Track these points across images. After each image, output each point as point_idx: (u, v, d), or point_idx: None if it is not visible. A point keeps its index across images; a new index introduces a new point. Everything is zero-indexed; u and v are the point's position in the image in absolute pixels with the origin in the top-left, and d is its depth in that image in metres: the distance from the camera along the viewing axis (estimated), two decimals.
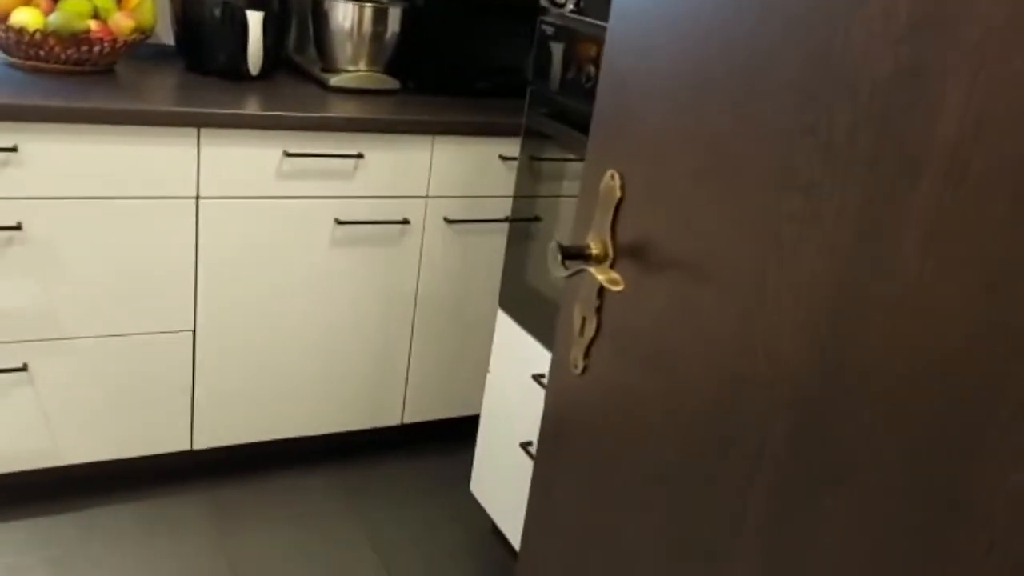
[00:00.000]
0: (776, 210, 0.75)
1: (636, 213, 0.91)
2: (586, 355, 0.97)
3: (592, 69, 1.73)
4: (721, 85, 0.82)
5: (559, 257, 0.91)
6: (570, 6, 1.88)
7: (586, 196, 0.99)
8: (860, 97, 0.67)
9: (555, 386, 1.06)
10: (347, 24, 2.21)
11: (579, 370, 0.98)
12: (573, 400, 1.01)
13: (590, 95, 1.73)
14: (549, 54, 1.88)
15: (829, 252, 0.70)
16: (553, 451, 1.08)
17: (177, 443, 2.11)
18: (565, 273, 0.93)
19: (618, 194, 0.92)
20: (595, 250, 0.93)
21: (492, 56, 2.42)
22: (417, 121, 2.09)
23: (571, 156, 1.86)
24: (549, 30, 1.86)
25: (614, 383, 0.94)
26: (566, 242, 0.94)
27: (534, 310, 1.92)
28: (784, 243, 0.74)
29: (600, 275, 0.88)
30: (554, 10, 1.90)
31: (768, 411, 0.76)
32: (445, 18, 2.33)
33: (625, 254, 0.92)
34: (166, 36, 2.23)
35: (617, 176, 0.93)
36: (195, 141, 1.89)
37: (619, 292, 0.91)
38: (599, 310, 0.96)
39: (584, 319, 0.98)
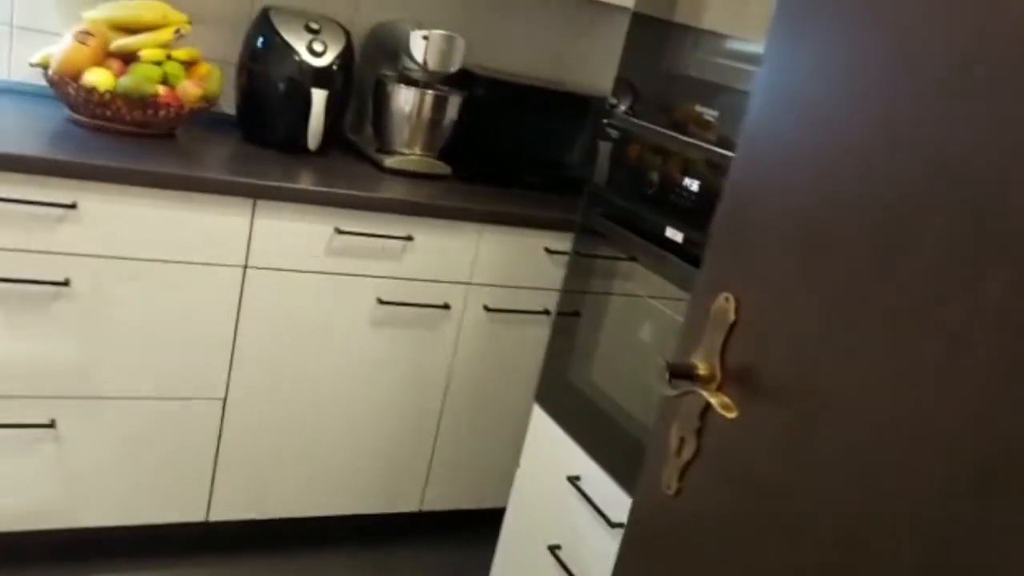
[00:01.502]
0: (914, 359, 0.73)
1: (750, 339, 0.90)
2: (681, 477, 0.95)
3: (655, 176, 1.74)
4: (858, 222, 0.81)
5: (666, 375, 0.89)
6: (623, 107, 1.91)
7: (696, 315, 0.97)
8: (1018, 258, 0.66)
9: (643, 505, 1.03)
10: (407, 108, 2.24)
11: (672, 491, 0.96)
12: (664, 522, 0.98)
13: (649, 200, 1.74)
14: (610, 156, 1.89)
15: (973, 407, 0.68)
16: (636, 572, 1.04)
17: (194, 512, 2.06)
18: (672, 392, 0.91)
19: (732, 317, 0.91)
20: (703, 371, 0.92)
21: (544, 150, 2.45)
22: (467, 208, 2.09)
23: (622, 256, 1.86)
24: (612, 132, 1.87)
25: (713, 508, 0.91)
26: (673, 360, 0.92)
27: (573, 409, 1.89)
28: (921, 393, 0.72)
29: (713, 399, 0.86)
30: (611, 110, 1.92)
31: (895, 554, 0.73)
32: (501, 110, 2.37)
33: (735, 377, 0.90)
34: (227, 105, 2.26)
35: (732, 299, 0.92)
36: (250, 211, 1.89)
37: (725, 416, 0.89)
38: (700, 432, 0.93)
39: (683, 440, 0.96)
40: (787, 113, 0.99)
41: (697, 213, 1.63)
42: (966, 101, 0.73)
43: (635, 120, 1.81)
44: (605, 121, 1.90)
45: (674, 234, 1.68)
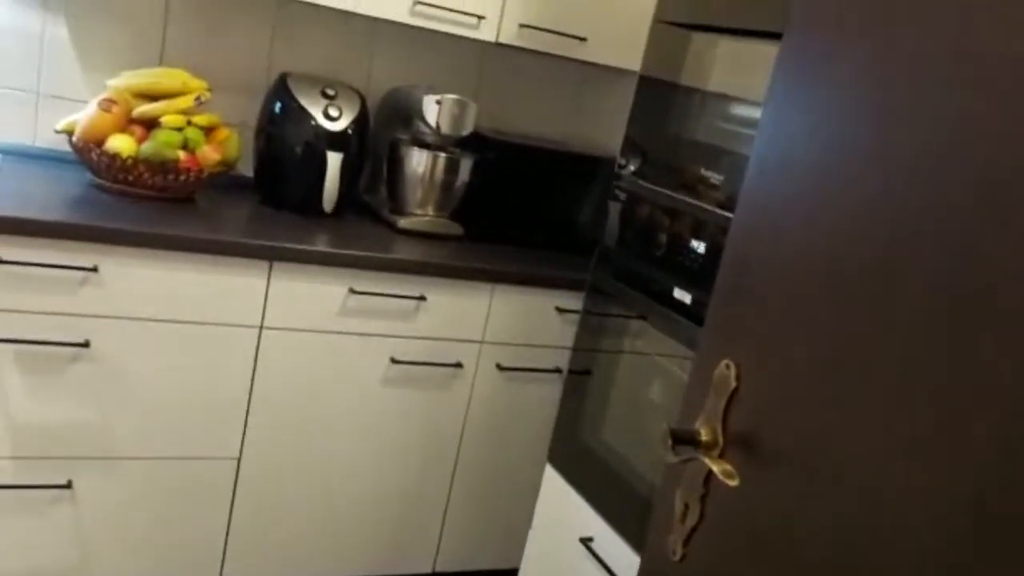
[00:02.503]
0: (910, 427, 0.75)
1: (751, 403, 0.91)
2: (686, 543, 0.95)
3: (664, 237, 1.77)
4: (856, 280, 0.83)
5: (670, 442, 0.91)
6: (632, 168, 1.94)
7: (697, 381, 0.99)
8: (1008, 315, 0.68)
9: (649, 572, 1.03)
10: (420, 170, 2.28)
11: (677, 557, 0.96)
12: None
13: (658, 261, 1.76)
14: (619, 217, 1.93)
15: (968, 477, 0.69)
16: None
17: (208, 572, 2.06)
18: (675, 459, 0.92)
19: (733, 384, 0.93)
20: (705, 437, 0.93)
21: (554, 210, 2.48)
22: (479, 268, 2.12)
23: (632, 315, 1.88)
24: (621, 195, 1.91)
25: (718, 575, 0.92)
26: (676, 426, 0.94)
27: (586, 469, 1.90)
28: (919, 462, 0.74)
29: (715, 466, 0.88)
30: (619, 171, 1.96)
31: None
32: (512, 171, 2.41)
33: (737, 443, 0.91)
34: (245, 168, 2.31)
35: (733, 366, 0.94)
36: (266, 273, 1.93)
37: (727, 483, 0.90)
38: (704, 498, 0.94)
39: (687, 506, 0.97)
40: (783, 177, 1.01)
41: (704, 275, 1.65)
42: (956, 159, 0.76)
43: (643, 183, 1.84)
44: (614, 183, 1.93)
45: (682, 295, 1.70)
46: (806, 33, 1.02)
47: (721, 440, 0.93)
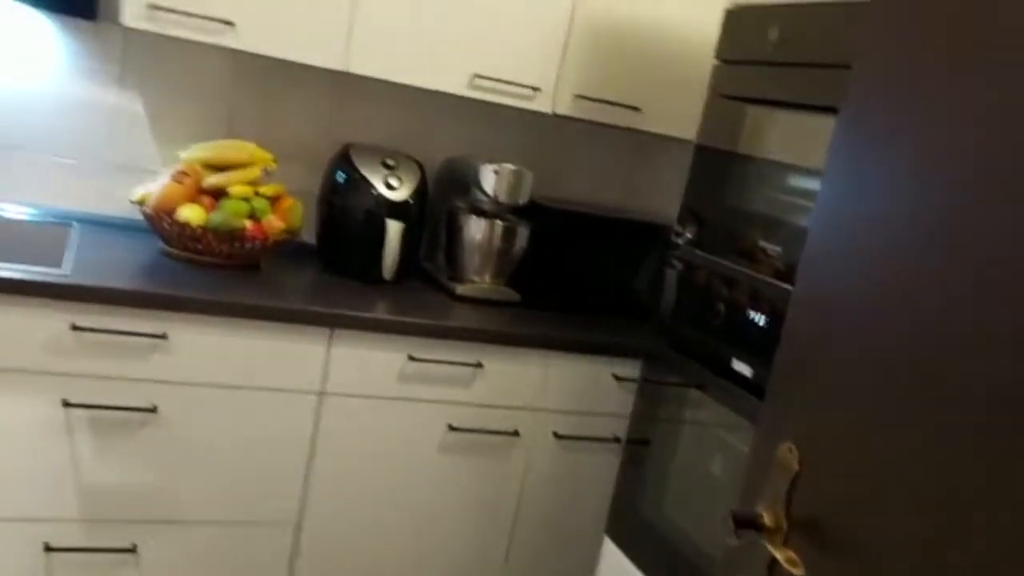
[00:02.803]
0: (987, 508, 0.73)
1: (816, 488, 0.90)
2: None
3: (722, 307, 1.76)
4: (927, 367, 0.82)
5: (731, 526, 0.90)
6: (689, 235, 1.94)
7: (758, 462, 0.98)
8: None
9: None
10: (478, 238, 2.32)
11: None
12: None
13: (716, 331, 1.75)
14: (676, 285, 1.92)
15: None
16: None
17: None
18: (737, 543, 0.91)
19: (795, 467, 0.92)
20: (768, 522, 0.92)
21: (611, 276, 2.49)
22: (536, 335, 2.13)
23: (691, 384, 1.86)
24: (678, 264, 1.91)
25: None
26: (738, 510, 0.92)
27: (645, 543, 1.87)
28: (995, 545, 0.72)
29: (778, 553, 0.86)
30: (676, 239, 1.96)
31: None
32: (569, 238, 2.43)
33: (801, 529, 0.89)
34: (308, 235, 2.37)
35: (795, 450, 0.93)
36: (327, 340, 1.96)
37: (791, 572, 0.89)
38: None
39: None
40: (841, 254, 1.01)
41: (764, 346, 1.64)
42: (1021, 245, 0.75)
43: (700, 252, 1.84)
44: (671, 252, 1.94)
45: (741, 367, 1.69)
46: (864, 112, 1.03)
47: (785, 525, 0.91)
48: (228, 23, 1.98)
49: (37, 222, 2.17)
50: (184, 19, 1.95)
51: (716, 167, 1.85)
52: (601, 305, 2.49)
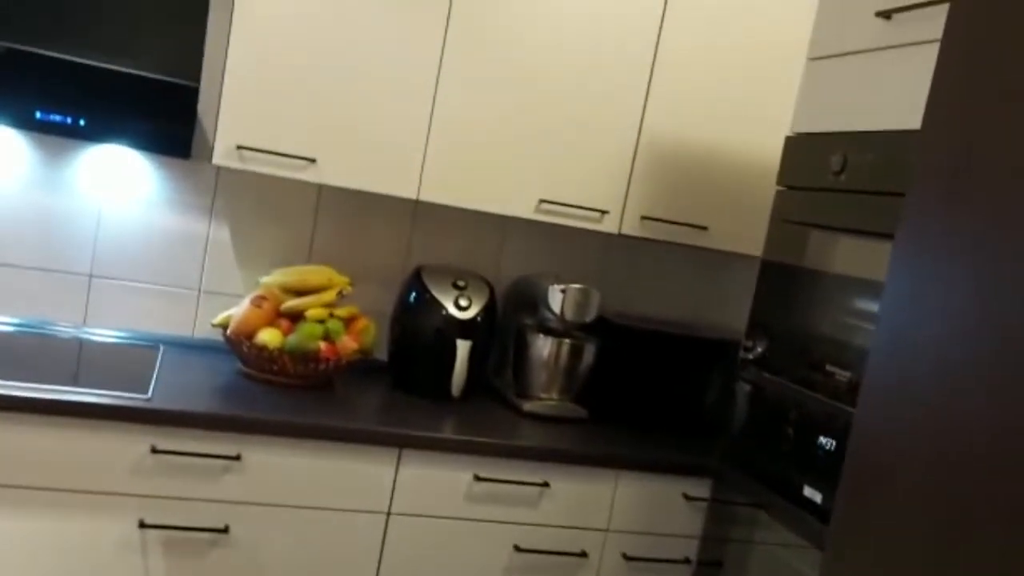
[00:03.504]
0: None
1: None
2: None
3: (791, 431, 1.74)
4: (992, 500, 0.80)
5: None
6: (759, 350, 1.93)
7: None
8: None
9: None
10: (545, 355, 2.34)
11: None
12: None
13: (786, 455, 1.72)
14: (744, 405, 1.91)
15: None
16: None
17: None
18: None
19: None
20: None
21: (679, 393, 2.48)
22: (604, 454, 2.12)
23: (761, 507, 1.82)
24: (746, 386, 1.90)
25: None
26: None
27: None
28: None
29: None
30: (745, 354, 1.95)
31: None
32: (636, 355, 2.44)
33: None
34: (380, 353, 2.44)
35: None
36: (395, 459, 1.99)
37: None
38: None
39: None
40: (902, 378, 1.00)
41: (835, 473, 1.60)
42: None
43: (767, 375, 1.83)
44: (739, 373, 1.93)
45: (812, 493, 1.65)
46: (918, 239, 1.03)
47: None
48: (310, 160, 2.10)
49: (127, 345, 2.29)
50: (269, 157, 2.08)
51: (782, 283, 1.86)
52: (669, 422, 2.47)
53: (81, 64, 1.95)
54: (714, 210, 2.39)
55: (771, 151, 2.40)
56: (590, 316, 2.32)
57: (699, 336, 2.51)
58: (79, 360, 2.09)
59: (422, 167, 2.18)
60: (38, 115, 1.99)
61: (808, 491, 1.66)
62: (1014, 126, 0.94)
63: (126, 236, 2.34)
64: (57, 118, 2.00)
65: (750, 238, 2.41)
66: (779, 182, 1.87)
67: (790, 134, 1.87)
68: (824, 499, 1.62)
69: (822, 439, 1.66)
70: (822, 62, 1.81)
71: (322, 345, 2.18)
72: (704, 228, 2.38)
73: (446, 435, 2.02)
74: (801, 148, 1.82)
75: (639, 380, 2.45)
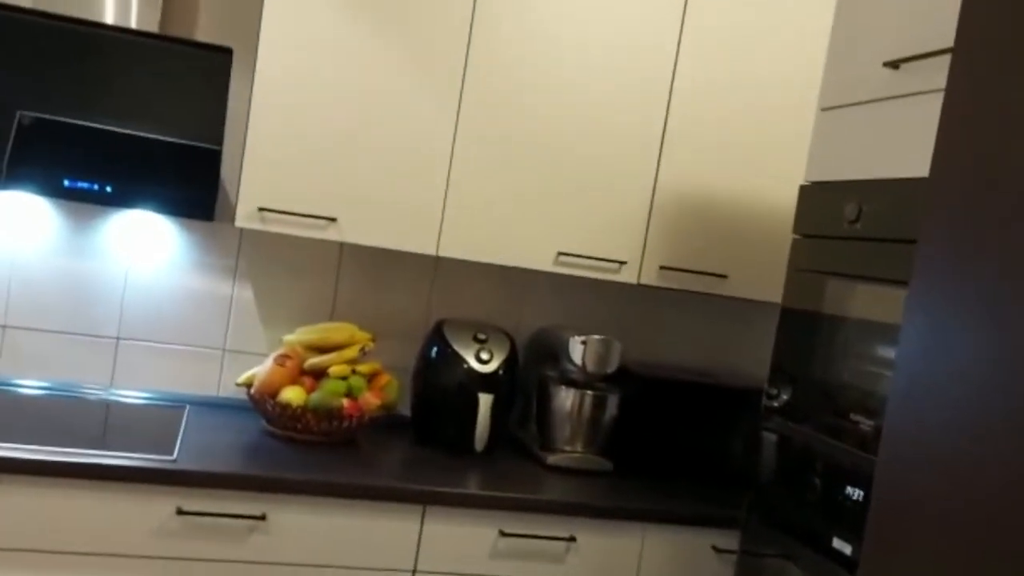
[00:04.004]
0: None
1: None
2: None
3: (817, 481, 1.72)
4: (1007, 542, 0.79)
5: None
6: (784, 397, 1.91)
7: None
8: None
9: None
10: (568, 407, 2.34)
11: None
12: None
13: (814, 506, 1.70)
14: (770, 455, 1.89)
15: None
16: None
17: None
18: None
19: None
20: None
21: (704, 442, 2.46)
22: (631, 507, 2.10)
23: (790, 558, 1.79)
24: (770, 436, 1.88)
25: None
26: None
27: None
28: None
29: None
30: (769, 401, 1.94)
31: None
32: (659, 405, 2.42)
33: None
34: (404, 407, 2.44)
35: None
36: (420, 516, 1.98)
37: None
38: None
39: None
40: (921, 425, 0.99)
41: (863, 524, 1.57)
42: None
43: (792, 424, 1.81)
44: (763, 422, 1.91)
45: (842, 545, 1.62)
46: (932, 287, 1.03)
47: None
48: (330, 219, 2.14)
49: (153, 406, 2.32)
50: (291, 218, 2.12)
51: (803, 330, 1.85)
52: (695, 472, 2.45)
53: (106, 131, 2.01)
54: (733, 258, 2.39)
55: (788, 198, 2.41)
56: (612, 367, 2.32)
57: (723, 385, 2.49)
58: (106, 422, 2.11)
59: (441, 223, 2.21)
60: (66, 183, 2.04)
61: (837, 542, 1.63)
62: (1019, 172, 0.94)
63: (152, 298, 2.38)
64: (84, 185, 2.06)
65: (769, 285, 2.41)
66: (795, 231, 1.87)
67: (804, 183, 1.88)
68: (854, 550, 1.60)
69: (849, 489, 1.63)
70: (833, 112, 1.82)
71: (345, 402, 2.19)
72: (723, 276, 2.38)
73: (471, 490, 2.02)
74: (815, 197, 1.83)
75: (663, 430, 2.44)
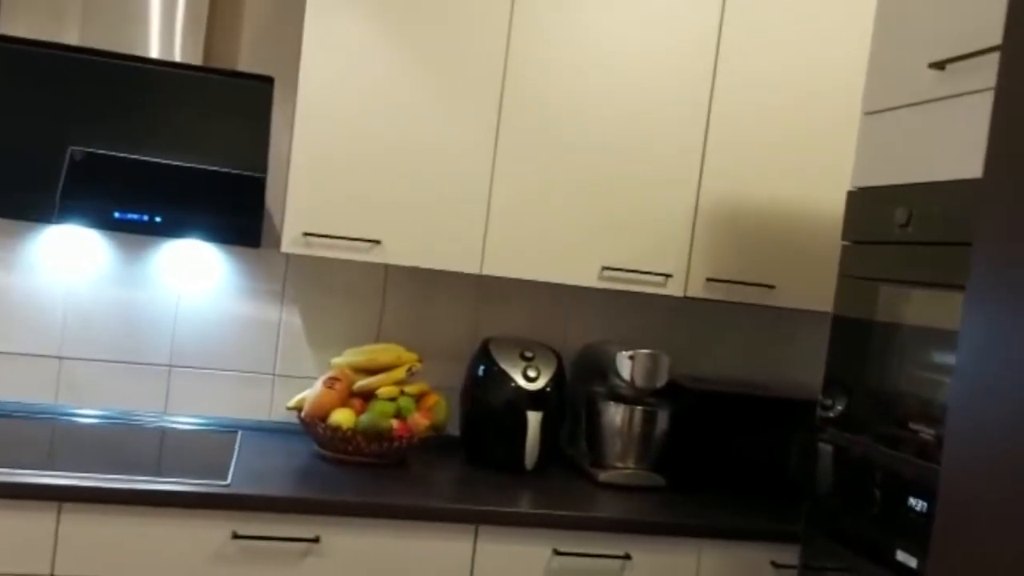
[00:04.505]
0: None
1: None
2: None
3: (877, 493, 1.67)
4: None
5: None
6: (838, 408, 1.87)
7: None
8: None
9: None
10: (618, 423, 2.32)
11: None
12: None
13: (875, 519, 1.66)
14: (827, 466, 1.85)
15: None
16: None
17: None
18: None
19: None
20: None
21: (759, 454, 2.42)
22: (687, 523, 2.07)
23: (852, 572, 1.74)
24: (826, 447, 1.84)
25: None
26: None
27: None
28: None
29: None
30: (823, 413, 1.90)
31: None
32: (711, 418, 2.39)
33: None
34: (453, 427, 2.44)
35: None
36: (473, 536, 1.98)
37: None
38: None
39: None
40: (990, 423, 0.96)
41: (928, 535, 1.53)
42: None
43: (849, 435, 1.77)
44: (818, 433, 1.87)
45: (906, 558, 1.58)
46: (988, 289, 1.01)
47: None
48: (374, 242, 2.15)
49: (206, 431, 2.35)
50: (335, 241, 2.14)
51: (856, 338, 1.81)
52: (750, 486, 2.40)
53: (154, 163, 2.05)
54: (780, 268, 2.36)
55: (833, 204, 2.37)
56: (661, 381, 2.29)
57: (775, 396, 2.45)
58: (161, 449, 2.14)
59: (484, 242, 2.21)
60: (116, 215, 2.09)
61: (902, 555, 1.59)
62: None
63: (202, 325, 2.41)
64: (134, 216, 2.10)
65: (819, 294, 2.37)
66: (844, 237, 1.84)
67: (851, 189, 1.85)
68: (920, 563, 1.55)
69: (912, 500, 1.59)
70: (877, 116, 1.79)
71: (394, 423, 2.19)
72: (771, 287, 2.35)
73: (523, 509, 2.01)
74: (864, 202, 1.80)
75: (716, 444, 2.40)
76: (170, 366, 2.40)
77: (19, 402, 2.33)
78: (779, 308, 2.44)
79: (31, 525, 1.79)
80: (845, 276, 1.83)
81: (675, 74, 2.28)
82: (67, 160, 2.02)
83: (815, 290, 2.37)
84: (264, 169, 2.11)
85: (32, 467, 1.85)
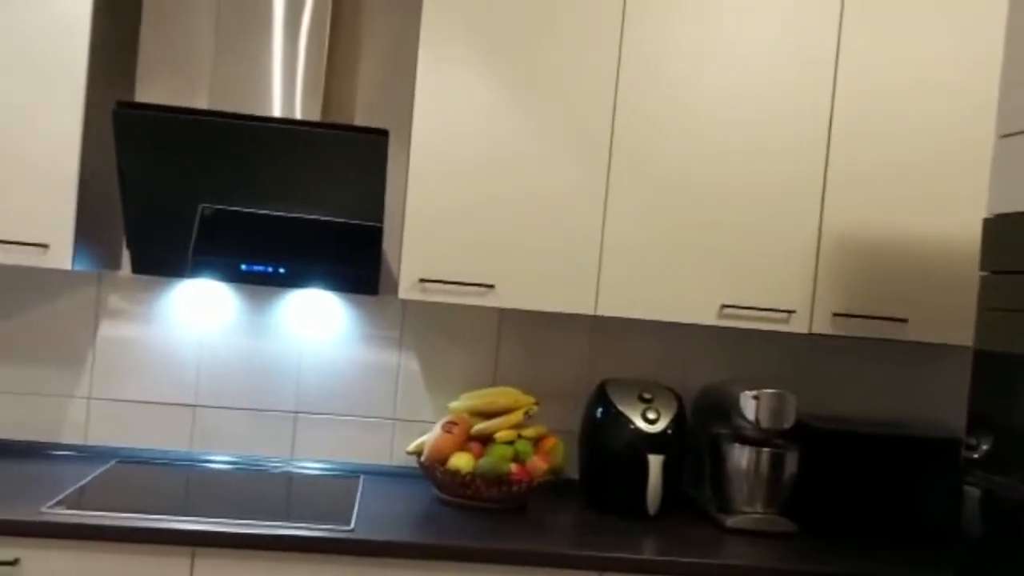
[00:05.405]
0: None
1: None
2: None
3: None
4: None
5: None
6: (984, 448, 1.75)
7: None
8: None
9: None
10: (744, 466, 2.23)
11: None
12: None
13: None
14: (975, 513, 1.72)
15: None
16: None
17: None
18: None
19: None
20: None
21: (896, 497, 2.28)
22: (818, 572, 1.97)
23: None
24: (973, 491, 1.72)
25: None
26: None
27: None
28: None
29: None
30: (969, 452, 1.78)
31: None
32: (843, 460, 2.28)
33: None
34: (571, 471, 2.41)
35: None
36: None
37: None
38: None
39: None
40: None
41: None
42: None
43: (998, 478, 1.65)
44: (964, 476, 1.75)
45: None
46: None
47: None
48: (488, 286, 2.17)
49: (330, 476, 2.39)
50: (450, 287, 2.16)
51: (1002, 373, 1.69)
52: (888, 531, 2.27)
53: (279, 217, 2.13)
54: (911, 300, 2.24)
55: (964, 232, 2.24)
56: (788, 422, 2.20)
57: (911, 435, 2.32)
58: (288, 494, 2.19)
59: (598, 282, 2.19)
60: (243, 267, 2.17)
61: None
62: None
63: (325, 372, 2.47)
64: (260, 268, 2.18)
65: (954, 327, 2.23)
66: (982, 268, 1.73)
67: (988, 215, 1.74)
68: None
69: None
70: (1013, 139, 1.69)
71: (513, 467, 2.18)
72: (903, 320, 2.23)
73: (647, 556, 1.95)
74: (1002, 230, 1.69)
75: (850, 487, 2.28)
76: (295, 412, 2.46)
77: (156, 449, 2.43)
78: (910, 343, 2.32)
79: (167, 571, 1.86)
80: (986, 308, 1.72)
81: (792, 102, 2.22)
82: (198, 217, 2.12)
83: (950, 323, 2.24)
84: (380, 219, 2.16)
85: (168, 512, 1.92)
